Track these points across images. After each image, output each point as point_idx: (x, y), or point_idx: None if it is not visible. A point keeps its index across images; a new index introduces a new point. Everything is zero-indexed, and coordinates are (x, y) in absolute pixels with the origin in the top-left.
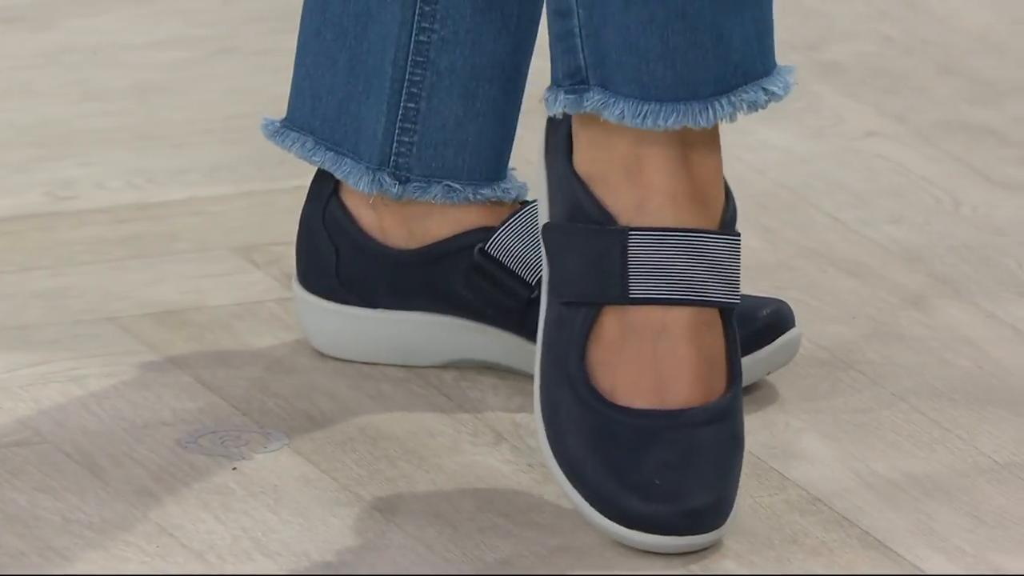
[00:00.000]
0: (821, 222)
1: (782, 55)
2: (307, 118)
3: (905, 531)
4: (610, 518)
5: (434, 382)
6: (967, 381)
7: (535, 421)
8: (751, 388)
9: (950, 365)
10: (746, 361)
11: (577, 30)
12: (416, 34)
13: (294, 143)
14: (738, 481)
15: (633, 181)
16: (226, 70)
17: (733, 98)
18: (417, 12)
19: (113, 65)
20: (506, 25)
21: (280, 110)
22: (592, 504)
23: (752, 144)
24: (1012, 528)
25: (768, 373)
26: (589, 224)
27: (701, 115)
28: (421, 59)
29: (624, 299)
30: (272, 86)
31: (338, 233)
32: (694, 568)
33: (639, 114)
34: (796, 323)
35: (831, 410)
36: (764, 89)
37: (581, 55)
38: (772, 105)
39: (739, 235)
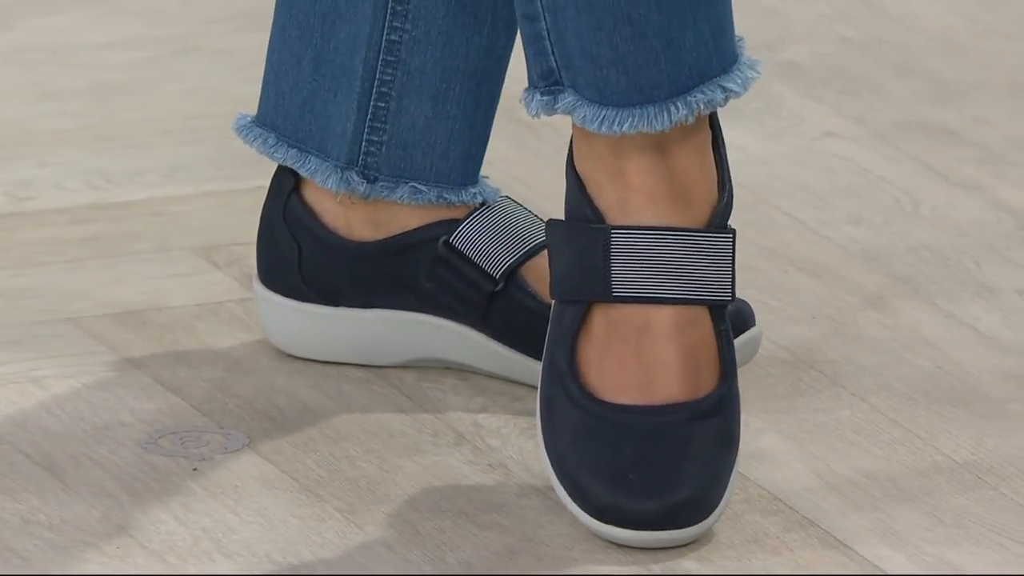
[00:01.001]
0: (781, 222)
1: None
2: (271, 114)
3: (865, 531)
4: (588, 513)
5: (395, 382)
6: (926, 381)
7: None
8: None
9: (909, 365)
10: None
11: (546, 33)
12: (387, 33)
13: (257, 138)
14: (728, 477)
15: (615, 181)
16: (185, 70)
17: (690, 99)
18: (389, 12)
19: (72, 65)
20: (479, 28)
21: (239, 110)
22: (573, 498)
23: None
24: (971, 528)
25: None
26: (581, 222)
27: (656, 119)
28: (392, 59)
29: (607, 297)
30: (232, 86)
31: (300, 229)
32: (655, 568)
33: (597, 118)
34: (756, 322)
35: (791, 410)
36: (722, 87)
37: (552, 57)
38: (733, 103)
39: (730, 231)
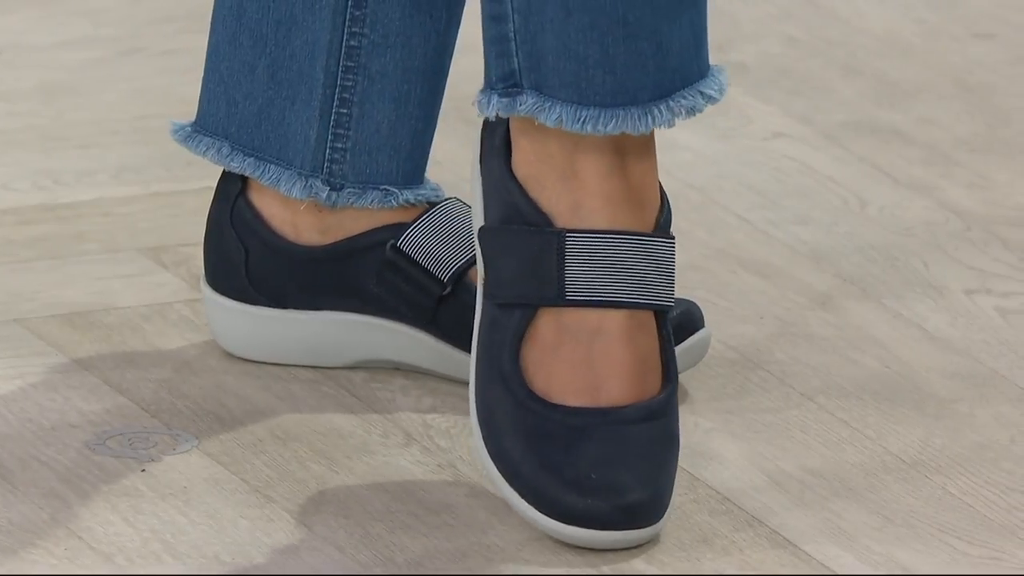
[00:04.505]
0: (729, 223)
1: None
2: (222, 123)
3: (814, 530)
4: (547, 515)
5: (344, 383)
6: (874, 380)
7: (471, 422)
8: None
9: (857, 365)
10: None
11: (512, 35)
12: (347, 39)
13: (208, 148)
14: (674, 478)
15: (569, 184)
16: (133, 71)
17: (671, 103)
18: (348, 17)
19: (19, 65)
20: (435, 27)
21: (188, 111)
22: (529, 501)
23: (661, 145)
24: (919, 527)
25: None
26: (525, 226)
27: (640, 120)
28: (352, 64)
29: (561, 300)
30: (179, 86)
31: (247, 232)
32: (604, 569)
33: (579, 119)
34: (706, 323)
35: (740, 410)
36: (701, 92)
37: (515, 59)
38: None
39: (674, 238)
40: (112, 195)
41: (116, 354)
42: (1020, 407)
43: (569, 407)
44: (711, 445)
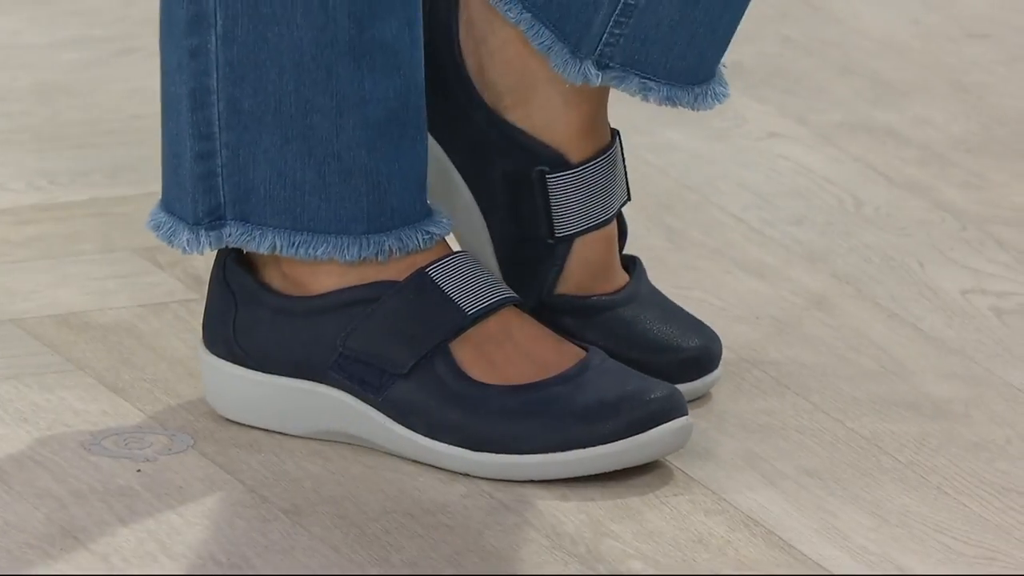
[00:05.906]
0: (725, 223)
1: None
2: None
3: (809, 530)
4: (631, 435)
5: None
6: (870, 380)
7: (488, 468)
8: None
9: (853, 365)
10: None
11: (219, 170)
12: None
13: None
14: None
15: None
16: (128, 70)
17: (386, 238)
18: None
19: (14, 66)
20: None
21: None
22: (610, 440)
23: (656, 145)
24: (915, 527)
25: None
26: (370, 302)
27: (349, 249)
28: None
29: (467, 321)
30: None
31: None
32: (600, 568)
33: (292, 244)
34: (720, 364)
35: (735, 410)
36: (426, 231)
37: (221, 193)
38: None
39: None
40: (107, 195)
41: (111, 354)
42: (1015, 407)
43: (553, 376)
44: (706, 445)
